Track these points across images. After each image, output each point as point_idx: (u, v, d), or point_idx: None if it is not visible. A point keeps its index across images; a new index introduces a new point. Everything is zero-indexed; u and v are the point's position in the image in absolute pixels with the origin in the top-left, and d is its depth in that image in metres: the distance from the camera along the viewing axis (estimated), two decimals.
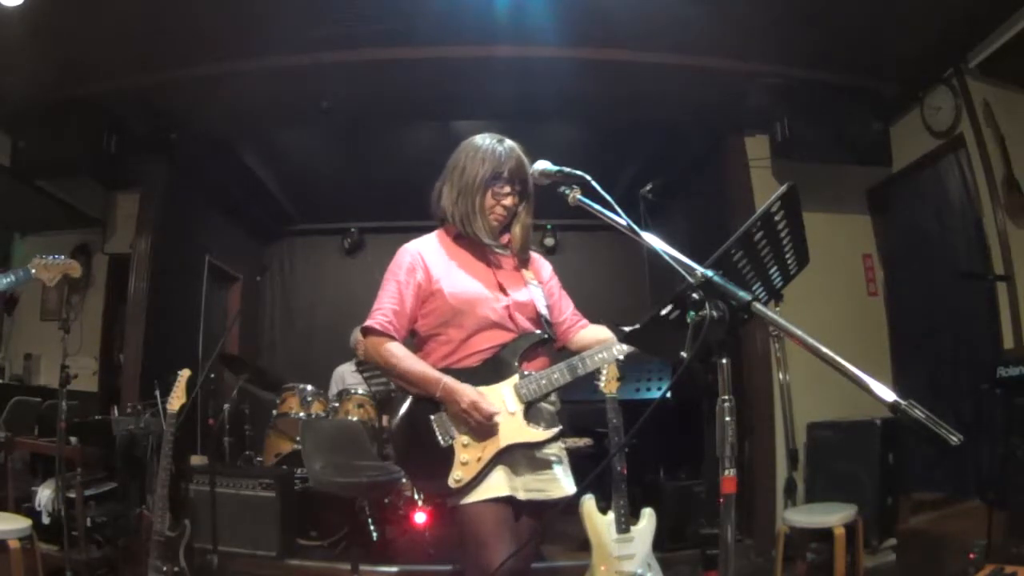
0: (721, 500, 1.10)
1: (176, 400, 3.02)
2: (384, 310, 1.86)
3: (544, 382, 1.82)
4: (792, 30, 3.65)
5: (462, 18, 3.53)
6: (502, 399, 1.80)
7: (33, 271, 2.85)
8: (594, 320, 2.09)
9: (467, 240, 1.94)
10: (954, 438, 0.87)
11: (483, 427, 1.74)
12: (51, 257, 2.91)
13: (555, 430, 1.84)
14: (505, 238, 1.98)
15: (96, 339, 4.85)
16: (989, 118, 3.59)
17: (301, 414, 4.42)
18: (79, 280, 3.17)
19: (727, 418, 1.08)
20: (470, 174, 1.88)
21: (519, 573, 1.79)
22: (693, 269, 1.12)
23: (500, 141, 1.92)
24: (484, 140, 1.93)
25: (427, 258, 1.90)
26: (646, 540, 2.77)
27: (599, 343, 1.91)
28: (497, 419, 1.76)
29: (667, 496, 3.81)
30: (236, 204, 6.23)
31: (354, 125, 4.78)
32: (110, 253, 4.94)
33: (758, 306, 1.05)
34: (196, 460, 4.05)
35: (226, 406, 4.48)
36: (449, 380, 1.77)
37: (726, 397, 1.09)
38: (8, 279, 2.81)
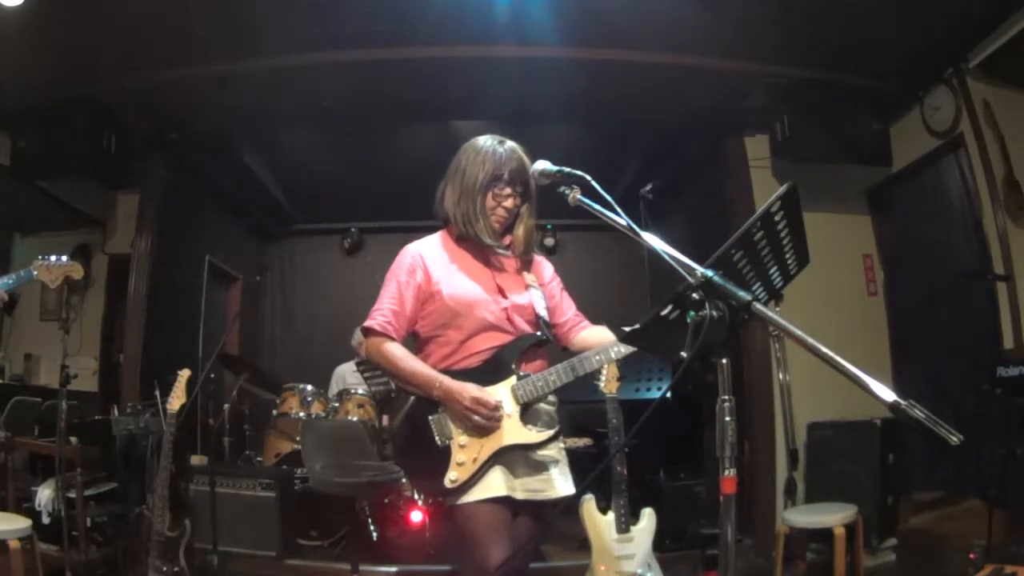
0: (721, 500, 1.10)
1: (176, 400, 3.02)
2: (384, 310, 1.87)
3: (541, 383, 1.83)
4: (792, 30, 3.65)
5: (462, 18, 3.53)
6: (499, 400, 1.81)
7: (35, 272, 2.84)
8: (595, 320, 2.10)
9: (469, 242, 1.95)
10: (954, 438, 0.87)
11: (488, 422, 1.74)
12: (53, 258, 2.89)
13: (551, 431, 1.84)
14: (507, 239, 1.98)
15: (96, 339, 4.85)
16: (989, 118, 3.59)
17: (301, 414, 4.42)
18: (79, 280, 3.17)
19: (727, 418, 1.08)
20: (471, 176, 1.89)
21: (517, 573, 1.79)
22: (693, 269, 1.12)
23: (501, 143, 1.93)
24: (485, 142, 1.93)
25: (427, 259, 1.91)
26: (646, 540, 2.77)
27: (600, 344, 1.91)
28: (501, 411, 1.77)
29: (667, 496, 3.80)
30: (236, 204, 6.24)
31: (354, 125, 4.78)
32: (110, 253, 4.94)
33: (758, 306, 1.04)
34: (196, 460, 4.04)
35: (226, 406, 4.48)
36: (447, 380, 1.78)
37: (726, 397, 1.09)
38: (9, 280, 2.80)
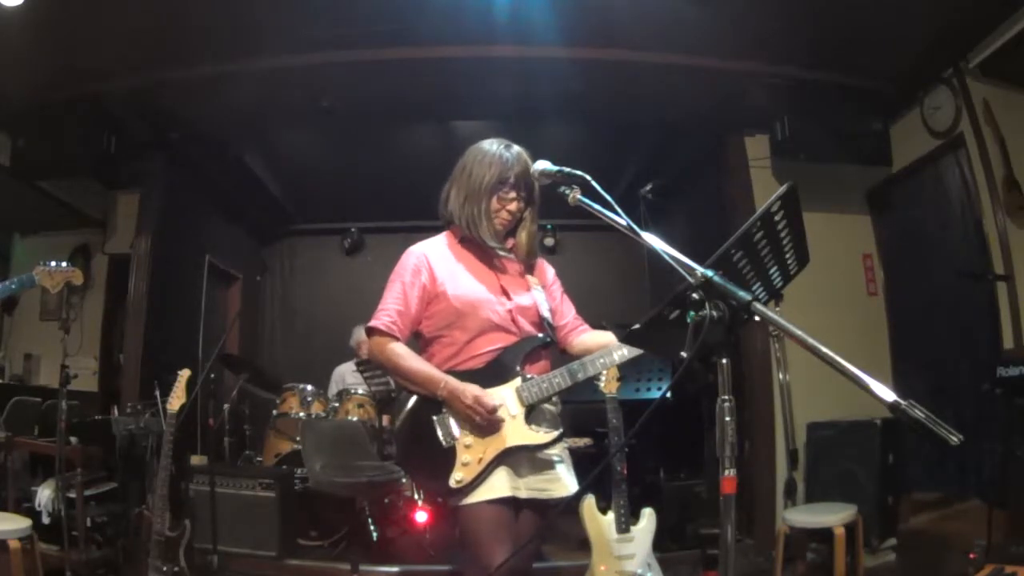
0: (721, 500, 1.10)
1: (176, 400, 3.02)
2: (388, 310, 1.87)
3: (545, 385, 1.83)
4: (792, 30, 3.65)
5: (462, 18, 3.53)
6: (504, 401, 1.81)
7: (37, 278, 2.85)
8: (595, 320, 2.10)
9: (473, 243, 1.95)
10: (954, 438, 0.87)
11: (487, 423, 1.75)
12: (54, 264, 2.89)
13: (556, 433, 1.84)
14: (510, 243, 1.99)
15: (96, 339, 4.84)
16: (989, 118, 3.59)
17: (301, 414, 4.43)
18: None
19: (727, 418, 1.08)
20: (477, 178, 1.90)
21: (520, 572, 1.79)
22: (693, 269, 1.12)
23: (507, 147, 1.93)
24: (491, 145, 1.94)
25: (432, 260, 1.92)
26: (646, 540, 2.77)
27: (600, 347, 1.91)
28: (500, 414, 1.77)
29: (667, 496, 3.80)
30: (236, 204, 6.23)
31: (354, 125, 4.78)
32: (110, 253, 4.94)
33: (758, 306, 1.05)
34: (196, 460, 4.05)
35: (226, 406, 4.48)
36: (452, 379, 1.78)
37: (726, 397, 1.09)
38: (11, 285, 2.81)
